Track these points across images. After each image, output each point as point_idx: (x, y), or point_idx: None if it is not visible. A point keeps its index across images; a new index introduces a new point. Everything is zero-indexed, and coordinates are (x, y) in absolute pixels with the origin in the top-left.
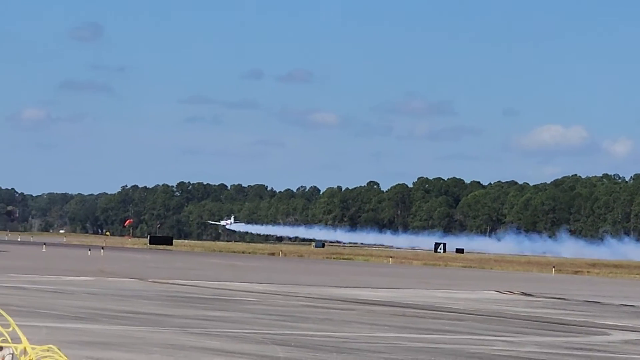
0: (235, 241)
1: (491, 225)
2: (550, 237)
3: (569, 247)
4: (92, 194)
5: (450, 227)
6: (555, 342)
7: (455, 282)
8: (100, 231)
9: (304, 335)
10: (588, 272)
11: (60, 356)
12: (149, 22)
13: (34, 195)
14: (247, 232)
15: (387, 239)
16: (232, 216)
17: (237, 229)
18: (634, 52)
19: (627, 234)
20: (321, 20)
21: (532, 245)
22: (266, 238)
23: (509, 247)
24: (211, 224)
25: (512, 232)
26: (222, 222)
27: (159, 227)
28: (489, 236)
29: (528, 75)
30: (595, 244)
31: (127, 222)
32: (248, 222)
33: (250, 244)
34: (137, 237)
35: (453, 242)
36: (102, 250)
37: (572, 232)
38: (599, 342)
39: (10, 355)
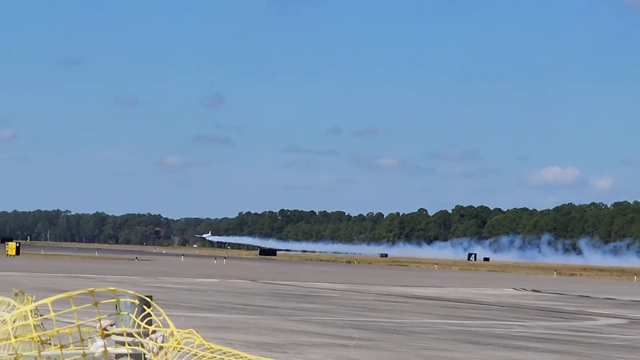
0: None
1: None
2: (552, 249)
3: (566, 256)
4: (217, 218)
5: (479, 241)
6: (556, 325)
7: (483, 282)
8: (222, 245)
9: (373, 322)
10: (580, 274)
11: (198, 337)
12: (258, 91)
13: (174, 219)
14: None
15: (432, 251)
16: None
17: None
18: (616, 110)
19: (607, 246)
20: (384, 90)
21: (539, 254)
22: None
23: (523, 256)
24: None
25: (525, 245)
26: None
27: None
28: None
29: (535, 130)
30: (584, 254)
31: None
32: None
33: (332, 254)
34: (250, 250)
35: (481, 253)
36: (224, 260)
37: (569, 245)
38: (589, 325)
39: (162, 336)
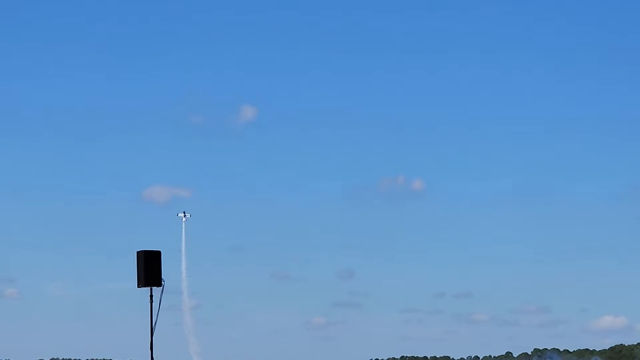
0: None
1: None
2: None
3: None
4: None
5: None
6: None
7: None
8: None
9: None
10: None
11: None
12: (381, 267)
13: None
14: None
15: None
16: None
17: None
18: None
19: None
20: (477, 262)
21: None
22: None
23: None
24: None
25: None
26: None
27: None
28: None
29: (594, 288)
30: None
31: None
32: None
33: None
34: None
35: None
36: None
37: None
38: None
39: None
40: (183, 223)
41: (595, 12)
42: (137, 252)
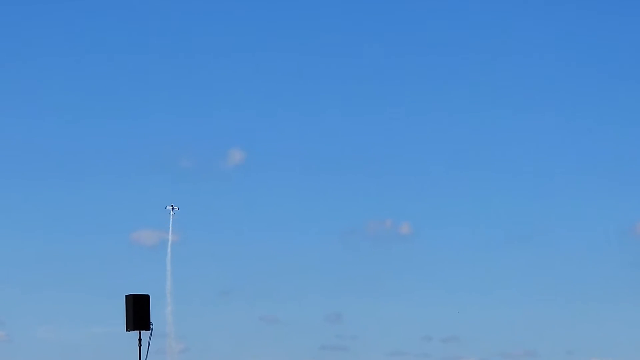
0: None
1: None
2: None
3: None
4: None
5: None
6: None
7: None
8: None
9: None
10: None
11: None
12: (369, 310)
13: None
14: None
15: None
16: None
17: None
18: None
19: None
20: (464, 301)
21: None
22: None
23: None
24: None
25: None
26: None
27: None
28: None
29: (579, 330)
30: None
31: None
32: None
33: None
34: None
35: None
36: None
37: None
38: None
39: None
40: (171, 217)
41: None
42: (126, 296)
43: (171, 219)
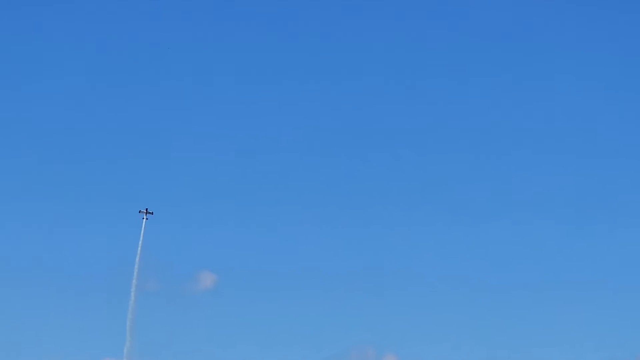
0: None
1: None
2: None
3: None
4: None
5: None
6: None
7: None
8: None
9: None
10: None
11: None
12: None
13: None
14: None
15: None
16: None
17: None
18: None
19: None
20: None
21: None
22: None
23: None
24: None
25: None
26: None
27: None
28: None
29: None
30: None
31: None
32: None
33: None
34: None
35: None
36: None
37: None
38: None
39: None
40: (144, 221)
41: None
42: None
43: (144, 224)
